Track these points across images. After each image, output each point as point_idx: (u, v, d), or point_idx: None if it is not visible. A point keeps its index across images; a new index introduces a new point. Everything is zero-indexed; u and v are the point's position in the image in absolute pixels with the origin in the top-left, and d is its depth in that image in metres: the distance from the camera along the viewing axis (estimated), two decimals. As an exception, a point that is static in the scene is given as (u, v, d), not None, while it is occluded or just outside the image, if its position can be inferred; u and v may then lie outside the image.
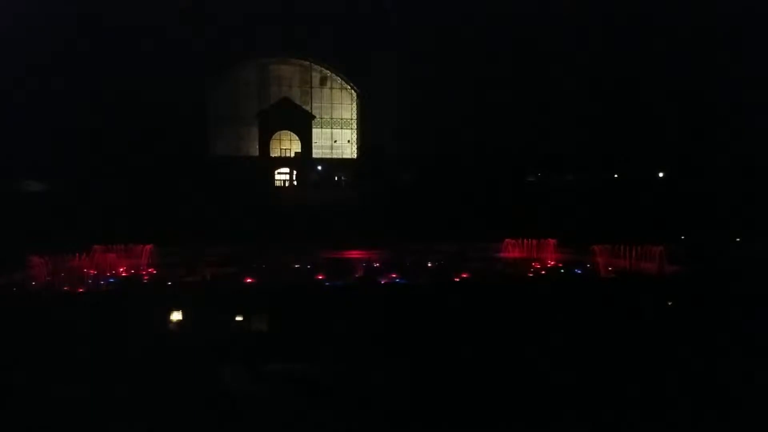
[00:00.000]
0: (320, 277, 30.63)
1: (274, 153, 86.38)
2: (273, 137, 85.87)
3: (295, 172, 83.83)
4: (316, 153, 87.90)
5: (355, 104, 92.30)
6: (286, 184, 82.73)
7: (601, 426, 14.19)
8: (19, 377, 16.58)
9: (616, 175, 79.35)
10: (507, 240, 43.08)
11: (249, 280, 29.75)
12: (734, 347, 19.61)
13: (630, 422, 14.27)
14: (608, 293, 26.61)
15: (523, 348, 20.08)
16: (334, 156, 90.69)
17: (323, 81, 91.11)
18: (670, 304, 25.10)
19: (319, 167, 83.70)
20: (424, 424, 14.33)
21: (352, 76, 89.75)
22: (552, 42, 77.45)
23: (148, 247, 34.10)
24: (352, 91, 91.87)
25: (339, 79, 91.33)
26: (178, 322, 21.53)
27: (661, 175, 79.07)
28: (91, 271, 31.82)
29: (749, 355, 18.93)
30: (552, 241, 41.02)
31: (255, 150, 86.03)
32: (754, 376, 17.04)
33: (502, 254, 41.49)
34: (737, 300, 24.06)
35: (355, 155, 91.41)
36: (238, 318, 22.22)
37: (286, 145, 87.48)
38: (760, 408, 14.88)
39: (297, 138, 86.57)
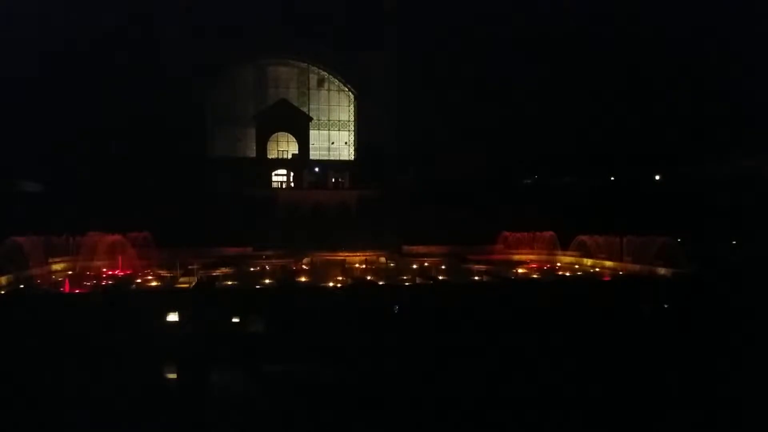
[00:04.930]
0: (317, 279, 30.56)
1: (272, 154, 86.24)
2: (270, 138, 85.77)
3: (292, 174, 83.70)
4: (314, 155, 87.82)
5: (352, 106, 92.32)
6: (284, 186, 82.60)
7: (603, 424, 14.21)
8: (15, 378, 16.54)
9: (612, 178, 79.59)
10: (504, 242, 43.21)
11: (246, 282, 29.69)
12: (734, 348, 19.66)
13: (630, 422, 14.29)
14: (608, 294, 26.62)
15: (513, 348, 20.10)
16: (332, 158, 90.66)
17: (321, 82, 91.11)
18: (666, 306, 25.14)
19: (317, 169, 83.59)
20: (422, 423, 14.32)
21: (350, 77, 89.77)
22: (550, 42, 77.59)
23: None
24: (350, 93, 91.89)
25: (336, 81, 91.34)
26: (175, 323, 21.48)
27: (657, 177, 79.28)
28: (89, 273, 31.77)
29: (748, 355, 18.98)
30: (549, 236, 41.14)
31: (252, 151, 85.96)
32: (754, 377, 17.07)
33: (498, 256, 41.57)
34: (736, 300, 24.13)
35: (352, 157, 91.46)
36: (235, 319, 22.16)
37: (283, 146, 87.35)
38: (759, 408, 14.91)
39: (294, 139, 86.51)
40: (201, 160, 77.19)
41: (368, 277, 31.17)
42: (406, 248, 43.65)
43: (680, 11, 75.21)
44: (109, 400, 15.03)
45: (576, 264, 38.43)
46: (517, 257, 41.50)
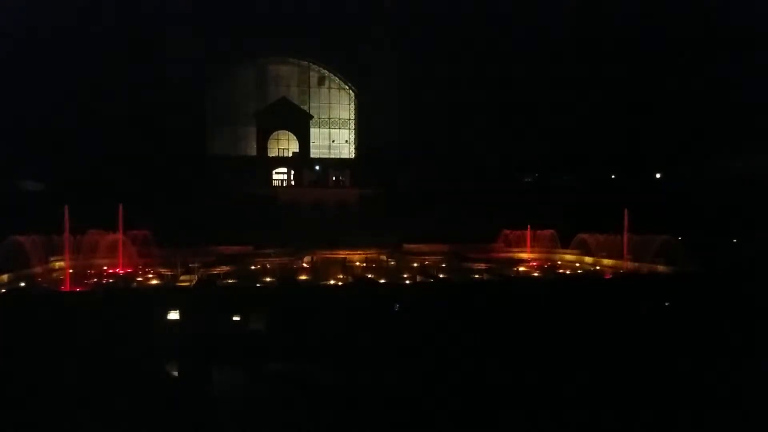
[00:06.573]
0: (317, 277, 30.58)
1: (272, 153, 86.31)
2: (271, 137, 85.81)
3: (293, 172, 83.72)
4: (314, 153, 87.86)
5: (353, 104, 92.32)
6: (284, 184, 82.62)
7: (604, 424, 14.22)
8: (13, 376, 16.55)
9: (613, 176, 79.56)
10: (504, 240, 43.23)
11: (247, 280, 29.70)
12: (734, 346, 19.65)
13: (631, 421, 14.29)
14: (608, 294, 26.62)
15: (513, 347, 20.10)
16: (332, 156, 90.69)
17: (321, 81, 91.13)
18: (666, 304, 25.14)
19: (317, 167, 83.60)
20: (422, 423, 14.32)
21: (350, 76, 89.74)
22: (549, 42, 77.51)
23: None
24: (350, 91, 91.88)
25: (337, 79, 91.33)
26: (175, 322, 21.48)
27: (658, 176, 79.25)
28: (89, 271, 31.81)
29: (749, 354, 18.98)
30: (549, 234, 41.16)
31: (253, 150, 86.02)
32: (755, 376, 17.07)
33: (498, 255, 41.58)
34: (736, 299, 24.13)
35: (353, 155, 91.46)
36: (236, 318, 22.17)
37: (284, 145, 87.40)
38: (760, 408, 14.91)
39: (295, 138, 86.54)
40: (201, 159, 77.25)
41: (369, 276, 31.17)
42: (406, 246, 43.64)
43: (680, 10, 75.09)
44: (109, 400, 15.04)
45: (576, 262, 38.42)
46: (517, 255, 41.48)
